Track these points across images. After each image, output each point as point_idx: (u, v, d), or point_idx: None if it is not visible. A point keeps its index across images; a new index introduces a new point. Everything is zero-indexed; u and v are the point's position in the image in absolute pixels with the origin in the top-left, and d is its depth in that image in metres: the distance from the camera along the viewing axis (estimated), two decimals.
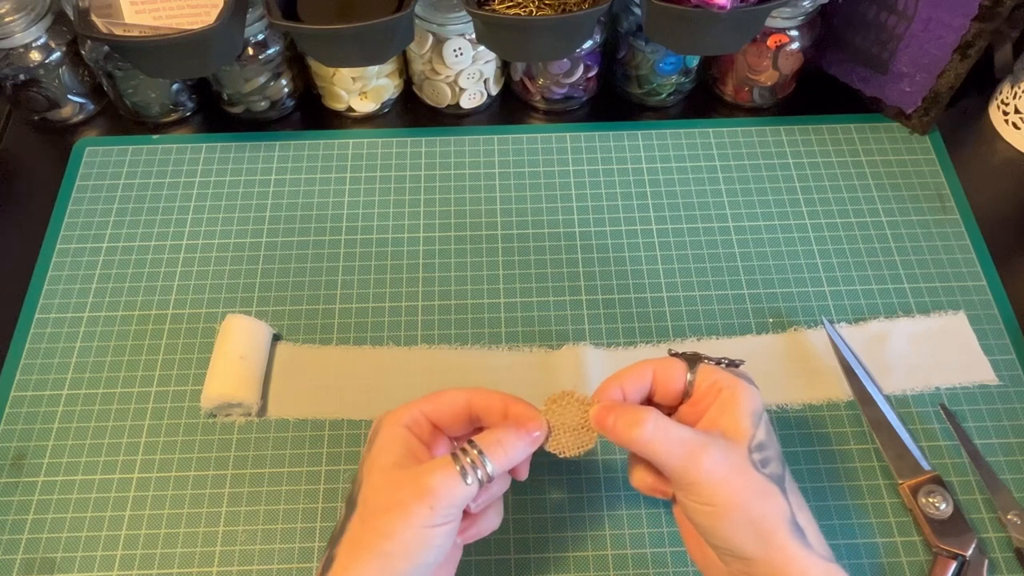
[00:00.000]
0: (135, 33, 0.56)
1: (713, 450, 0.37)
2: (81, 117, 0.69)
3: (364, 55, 0.58)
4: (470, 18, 0.59)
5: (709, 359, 0.41)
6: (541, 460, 0.52)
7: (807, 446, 0.52)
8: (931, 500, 0.49)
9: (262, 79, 0.65)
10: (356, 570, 0.36)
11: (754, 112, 0.69)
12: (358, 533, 0.37)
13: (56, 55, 0.64)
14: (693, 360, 0.41)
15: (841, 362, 0.54)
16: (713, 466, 0.37)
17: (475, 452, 0.38)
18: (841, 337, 0.55)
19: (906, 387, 0.54)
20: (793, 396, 0.54)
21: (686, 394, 0.41)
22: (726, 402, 0.39)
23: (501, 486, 0.41)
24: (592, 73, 0.67)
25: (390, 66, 0.67)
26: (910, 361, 0.55)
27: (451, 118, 0.69)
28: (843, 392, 0.54)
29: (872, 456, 0.52)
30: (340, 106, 0.69)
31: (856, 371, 0.54)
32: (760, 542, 0.37)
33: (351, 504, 0.39)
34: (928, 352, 0.56)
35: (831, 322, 0.56)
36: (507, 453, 0.39)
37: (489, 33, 0.58)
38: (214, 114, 0.70)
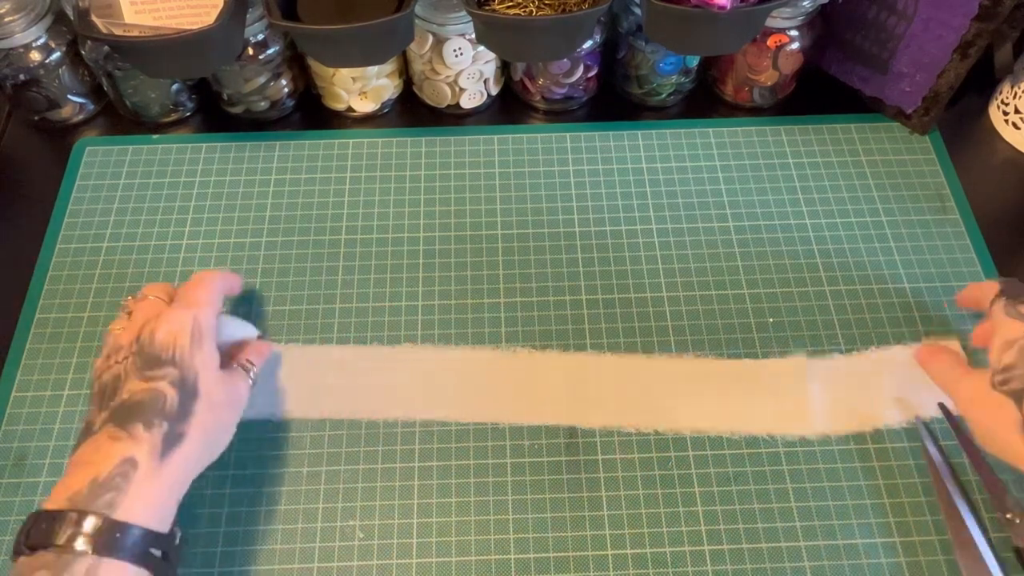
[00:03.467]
0: (135, 33, 0.56)
1: (965, 382, 0.48)
2: (81, 117, 0.69)
3: (364, 55, 0.58)
4: (470, 18, 0.59)
5: (1012, 296, 0.48)
6: (541, 461, 0.52)
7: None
8: None
9: (262, 79, 0.65)
10: (205, 448, 0.46)
11: (754, 112, 0.69)
12: (205, 418, 0.45)
13: (56, 55, 0.64)
14: (1000, 294, 0.48)
15: (931, 468, 0.51)
16: (963, 397, 0.48)
17: (252, 366, 0.51)
18: (935, 441, 0.52)
19: (907, 417, 0.53)
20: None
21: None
22: (993, 335, 0.47)
23: None
24: (592, 73, 0.67)
25: (390, 66, 0.67)
26: (909, 390, 0.54)
27: (451, 118, 0.69)
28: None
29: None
30: (340, 106, 0.69)
31: (947, 483, 0.50)
32: (1003, 448, 0.45)
33: (189, 390, 0.45)
34: (922, 377, 0.53)
35: (924, 423, 0.53)
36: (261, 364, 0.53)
37: (489, 33, 0.58)
38: (214, 114, 0.70)
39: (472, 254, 0.61)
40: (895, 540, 0.49)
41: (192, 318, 0.47)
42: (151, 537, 0.40)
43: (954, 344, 0.55)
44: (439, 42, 0.63)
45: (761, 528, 0.50)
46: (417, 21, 0.61)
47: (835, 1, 0.63)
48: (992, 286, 0.49)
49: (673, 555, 0.49)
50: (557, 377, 0.55)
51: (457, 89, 0.67)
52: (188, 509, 0.50)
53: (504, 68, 0.69)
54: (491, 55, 0.65)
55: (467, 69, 0.65)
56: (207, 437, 0.45)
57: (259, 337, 0.56)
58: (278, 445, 0.53)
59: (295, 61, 0.67)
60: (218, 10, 0.55)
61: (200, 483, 0.51)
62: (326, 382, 0.55)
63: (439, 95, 0.68)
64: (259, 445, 0.53)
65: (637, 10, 0.63)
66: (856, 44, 0.66)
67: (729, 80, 0.69)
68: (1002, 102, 0.68)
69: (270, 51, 0.64)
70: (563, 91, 0.68)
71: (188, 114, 0.69)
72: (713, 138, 0.67)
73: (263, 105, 0.68)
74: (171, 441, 0.43)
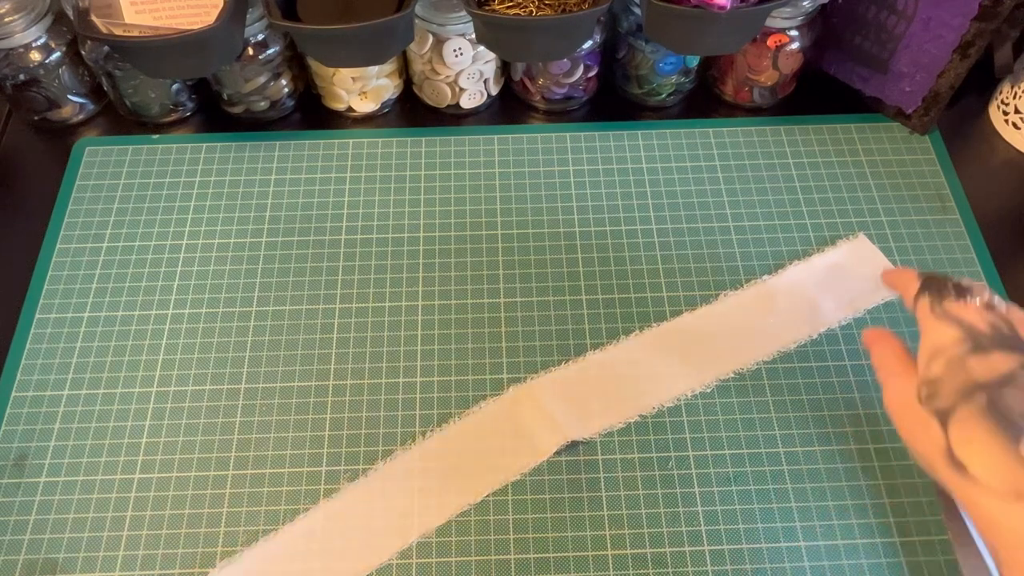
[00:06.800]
0: (135, 33, 0.56)
1: (890, 385, 0.43)
2: (81, 117, 0.69)
3: (364, 55, 0.58)
4: (470, 18, 0.59)
5: (937, 292, 0.43)
6: (541, 461, 0.52)
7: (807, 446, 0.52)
8: None
9: (262, 79, 0.65)
10: None
11: (754, 112, 0.69)
12: None
13: (56, 55, 0.64)
14: (922, 289, 0.44)
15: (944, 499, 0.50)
16: (889, 400, 0.43)
17: None
18: None
19: (839, 317, 0.57)
20: None
21: None
22: (921, 339, 0.42)
23: None
24: (592, 73, 0.67)
25: (390, 66, 0.67)
26: (833, 292, 0.58)
27: (451, 118, 0.69)
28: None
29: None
30: (340, 106, 0.69)
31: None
32: (930, 469, 0.40)
33: None
34: (845, 278, 0.59)
35: None
36: None
37: (489, 33, 0.58)
38: (214, 114, 0.70)
39: (472, 254, 0.61)
40: (895, 540, 0.49)
41: None
42: None
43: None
44: (439, 42, 0.63)
45: (761, 528, 0.50)
46: (417, 21, 0.61)
47: (835, 1, 0.63)
48: (912, 277, 0.45)
49: (673, 555, 0.49)
50: (553, 404, 0.54)
51: (457, 89, 0.67)
52: (188, 510, 0.50)
53: (504, 68, 0.69)
54: (491, 55, 0.65)
55: (467, 69, 0.65)
56: None
57: None
58: (279, 446, 0.53)
59: (295, 61, 0.67)
60: (218, 10, 0.55)
61: (201, 484, 0.51)
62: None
63: (439, 95, 0.68)
64: (260, 446, 0.53)
65: (637, 10, 0.63)
66: (856, 44, 0.66)
67: (729, 80, 0.69)
68: (1002, 102, 0.68)
69: (270, 51, 0.64)
70: (563, 91, 0.68)
71: (188, 114, 0.69)
72: (713, 138, 0.67)
73: (263, 105, 0.68)
74: None
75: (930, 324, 0.42)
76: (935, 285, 0.43)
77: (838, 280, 0.59)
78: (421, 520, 0.50)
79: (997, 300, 0.42)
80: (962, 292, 0.42)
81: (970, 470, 0.38)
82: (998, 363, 0.39)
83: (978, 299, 0.41)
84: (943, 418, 0.39)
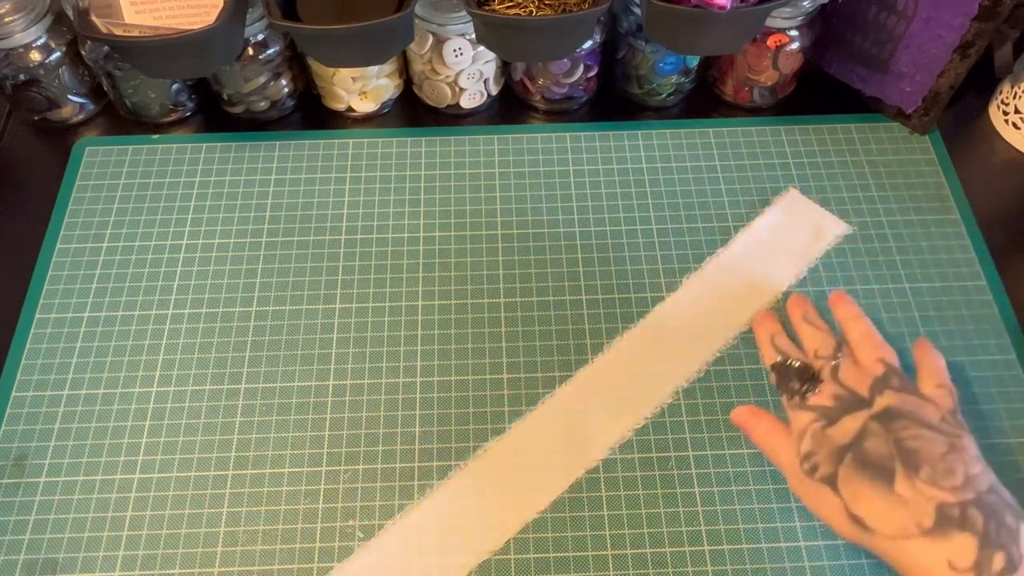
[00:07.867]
0: (135, 33, 0.56)
1: (785, 453, 0.47)
2: (81, 117, 0.69)
3: (364, 55, 0.58)
4: (470, 18, 0.59)
5: (787, 391, 0.49)
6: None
7: None
8: None
9: (262, 79, 0.65)
10: None
11: (754, 112, 0.69)
12: None
13: (56, 55, 0.64)
14: (777, 387, 0.50)
15: None
16: (786, 467, 0.48)
17: None
18: None
19: (797, 270, 0.59)
20: None
21: None
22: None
23: None
24: (592, 73, 0.67)
25: (390, 66, 0.67)
26: (785, 248, 0.60)
27: (451, 118, 0.69)
28: None
29: None
30: (340, 106, 0.69)
31: None
32: (840, 533, 0.44)
33: None
34: (790, 232, 0.61)
35: None
36: None
37: (489, 33, 0.58)
38: (214, 114, 0.70)
39: (472, 254, 0.61)
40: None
41: None
42: None
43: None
44: (439, 42, 0.63)
45: (761, 528, 0.50)
46: (417, 21, 0.61)
47: (835, 1, 0.63)
48: (766, 337, 0.52)
49: (673, 555, 0.49)
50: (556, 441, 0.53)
51: (457, 89, 0.67)
52: (188, 510, 0.50)
53: (504, 68, 0.69)
54: (491, 55, 0.65)
55: (467, 69, 0.65)
56: None
57: None
58: (279, 446, 0.53)
59: (295, 61, 0.67)
60: (218, 10, 0.55)
61: (201, 484, 0.51)
62: None
63: (439, 95, 0.68)
64: (260, 446, 0.53)
65: (637, 10, 0.63)
66: (856, 44, 0.66)
67: (729, 80, 0.69)
68: (1002, 102, 0.68)
69: (270, 51, 0.64)
70: (563, 91, 0.68)
71: (188, 114, 0.69)
72: (713, 138, 0.67)
73: (263, 105, 0.68)
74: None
75: (790, 412, 0.48)
76: (783, 383, 0.49)
77: (784, 236, 0.61)
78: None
79: (841, 352, 0.49)
80: (807, 383, 0.48)
81: (866, 523, 0.42)
82: (849, 426, 0.45)
83: (818, 387, 0.48)
84: (831, 483, 0.44)
